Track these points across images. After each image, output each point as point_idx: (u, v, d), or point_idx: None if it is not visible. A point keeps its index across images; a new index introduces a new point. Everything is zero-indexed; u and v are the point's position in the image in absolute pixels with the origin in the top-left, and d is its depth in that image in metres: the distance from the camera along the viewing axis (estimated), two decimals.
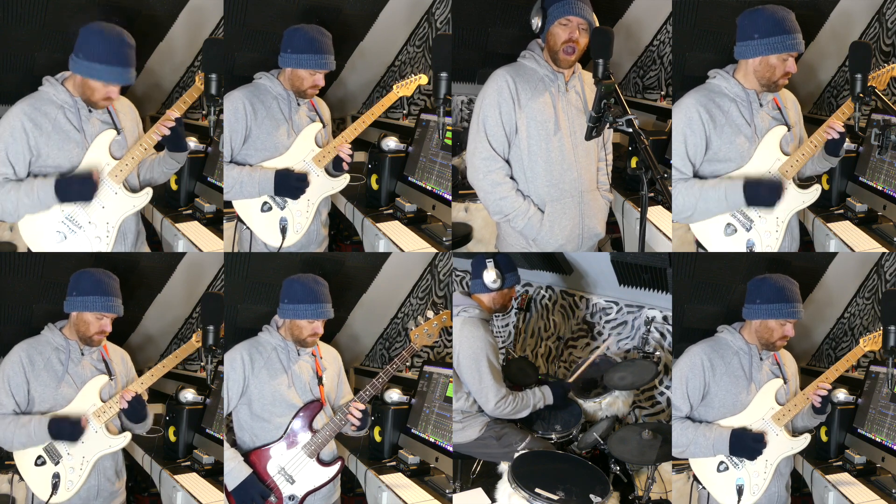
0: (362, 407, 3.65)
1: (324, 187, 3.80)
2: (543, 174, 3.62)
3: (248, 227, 3.78)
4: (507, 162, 3.65)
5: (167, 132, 3.47)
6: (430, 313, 3.77)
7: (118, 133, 3.50)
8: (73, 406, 3.63)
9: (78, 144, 3.45)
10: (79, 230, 3.48)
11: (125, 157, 3.48)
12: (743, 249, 3.55)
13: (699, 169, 3.53)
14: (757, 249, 3.55)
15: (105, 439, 3.65)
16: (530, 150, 3.61)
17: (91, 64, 3.31)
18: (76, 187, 3.41)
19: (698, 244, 3.61)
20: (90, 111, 3.47)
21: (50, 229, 3.47)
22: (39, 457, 3.60)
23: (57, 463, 3.61)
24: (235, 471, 3.61)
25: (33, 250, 3.50)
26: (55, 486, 3.60)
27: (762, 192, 3.46)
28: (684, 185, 3.49)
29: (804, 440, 3.60)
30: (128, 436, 3.69)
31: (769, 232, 3.53)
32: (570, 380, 4.11)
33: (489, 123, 3.63)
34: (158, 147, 3.61)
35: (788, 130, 3.55)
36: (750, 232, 3.54)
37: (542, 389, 3.97)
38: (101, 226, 3.49)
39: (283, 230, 3.76)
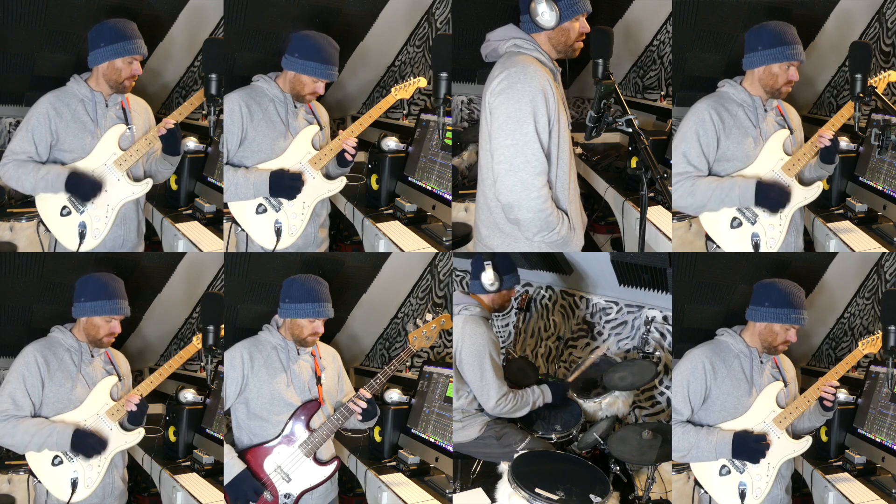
0: (368, 396, 3.67)
1: (320, 189, 3.80)
2: (564, 176, 3.40)
3: (242, 230, 3.78)
4: None
5: (164, 132, 3.71)
6: (428, 316, 3.77)
7: (128, 127, 3.73)
8: (86, 406, 3.66)
9: (91, 134, 3.70)
10: (82, 208, 3.70)
11: (130, 149, 3.73)
12: (748, 242, 3.63)
13: (712, 167, 3.63)
14: (761, 244, 3.63)
15: (120, 436, 3.69)
16: (559, 154, 3.35)
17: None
18: (83, 186, 3.68)
19: (707, 237, 3.71)
20: (107, 105, 3.69)
21: (56, 204, 3.70)
22: (56, 456, 3.62)
23: (73, 462, 3.63)
24: (229, 466, 3.62)
25: (43, 220, 3.72)
26: (74, 485, 3.63)
27: (772, 196, 3.57)
28: (703, 182, 3.58)
29: (806, 443, 3.60)
30: (141, 432, 3.73)
31: (773, 226, 3.63)
32: (570, 379, 4.12)
33: (541, 129, 3.25)
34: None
35: (791, 134, 3.66)
36: (755, 226, 3.63)
37: (541, 388, 3.97)
38: (102, 207, 3.71)
39: (278, 232, 3.76)
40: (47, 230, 3.73)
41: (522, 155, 3.24)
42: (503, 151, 3.25)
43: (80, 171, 3.66)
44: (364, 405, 3.67)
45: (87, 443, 3.61)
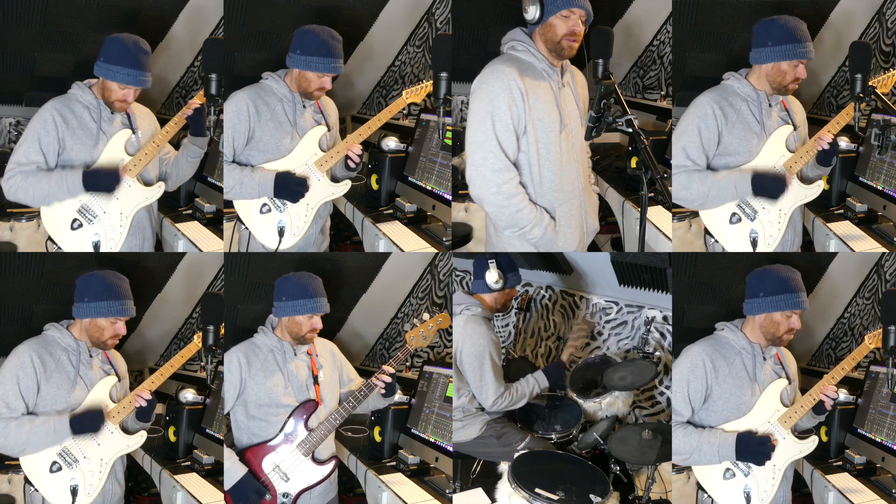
0: (392, 370, 3.68)
1: (324, 192, 3.79)
2: (552, 177, 3.43)
3: (246, 227, 3.78)
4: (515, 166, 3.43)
5: (190, 112, 3.64)
6: (425, 315, 3.76)
7: (133, 133, 3.68)
8: (85, 407, 3.56)
9: (98, 141, 3.63)
10: (94, 219, 3.65)
11: (139, 153, 3.68)
12: (746, 239, 3.61)
13: (711, 162, 3.61)
14: (760, 240, 3.61)
15: (122, 440, 3.61)
16: (539, 153, 3.41)
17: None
18: (102, 178, 3.61)
19: (706, 231, 3.70)
20: (112, 113, 3.64)
21: (66, 218, 3.64)
22: (54, 462, 3.51)
23: (73, 468, 3.53)
24: (231, 470, 3.62)
25: (52, 237, 3.66)
26: (74, 493, 3.52)
27: (768, 184, 3.55)
28: (698, 176, 3.57)
29: (812, 443, 3.51)
30: (143, 434, 3.66)
31: (772, 223, 3.60)
32: (563, 358, 4.12)
33: (500, 128, 3.35)
34: (176, 146, 3.82)
35: (794, 130, 3.64)
36: (754, 222, 3.61)
37: (535, 376, 3.98)
38: (115, 216, 3.66)
39: (281, 232, 3.76)
40: (57, 246, 3.64)
41: (482, 151, 3.37)
42: (468, 148, 3.40)
43: (93, 167, 3.58)
44: (388, 379, 3.68)
45: (85, 422, 3.49)
